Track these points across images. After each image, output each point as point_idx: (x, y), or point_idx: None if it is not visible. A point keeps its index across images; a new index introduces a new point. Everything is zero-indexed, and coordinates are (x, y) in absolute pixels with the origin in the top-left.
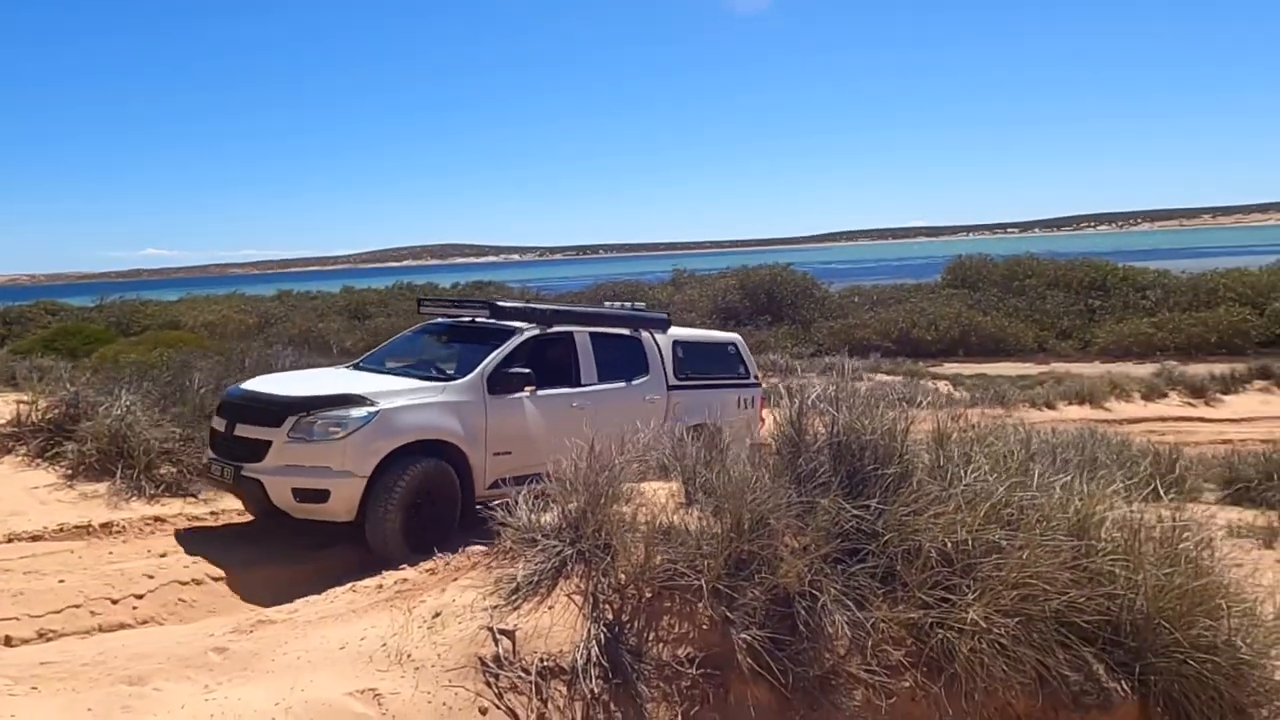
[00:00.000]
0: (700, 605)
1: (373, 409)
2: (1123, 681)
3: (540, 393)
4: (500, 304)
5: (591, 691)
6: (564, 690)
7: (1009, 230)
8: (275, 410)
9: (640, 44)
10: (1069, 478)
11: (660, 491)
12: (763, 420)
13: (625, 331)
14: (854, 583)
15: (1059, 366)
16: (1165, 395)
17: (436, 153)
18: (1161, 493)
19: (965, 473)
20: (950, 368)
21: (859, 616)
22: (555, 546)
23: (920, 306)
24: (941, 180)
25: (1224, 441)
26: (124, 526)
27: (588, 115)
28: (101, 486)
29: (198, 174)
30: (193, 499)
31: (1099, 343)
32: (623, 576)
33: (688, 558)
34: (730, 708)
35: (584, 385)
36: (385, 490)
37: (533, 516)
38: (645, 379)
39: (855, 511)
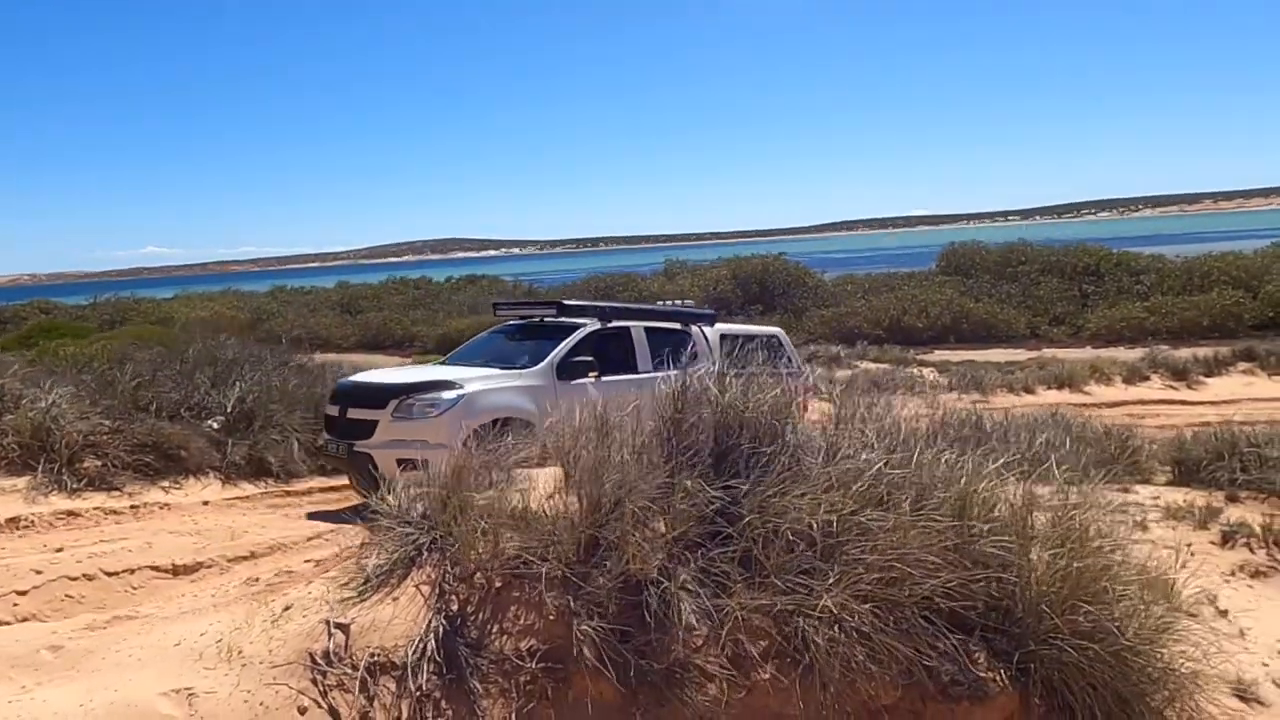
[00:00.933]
0: (549, 595)
1: (461, 391)
2: (1002, 671)
3: (603, 379)
4: (566, 303)
5: (421, 688)
6: (393, 687)
7: (1010, 218)
8: (382, 395)
9: (639, 34)
10: (955, 455)
11: (547, 476)
12: (805, 406)
13: (676, 326)
14: (713, 569)
15: (1050, 352)
16: (1147, 378)
17: (437, 147)
18: (1056, 472)
19: (847, 452)
20: (940, 355)
21: (708, 605)
22: (412, 534)
23: (912, 294)
24: (942, 169)
25: (1203, 424)
26: (32, 521)
27: (589, 107)
28: (22, 481)
29: (197, 171)
30: (116, 492)
31: (1091, 328)
32: (471, 565)
33: (541, 544)
34: (568, 704)
35: (640, 373)
36: None
37: (404, 503)
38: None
39: (715, 493)
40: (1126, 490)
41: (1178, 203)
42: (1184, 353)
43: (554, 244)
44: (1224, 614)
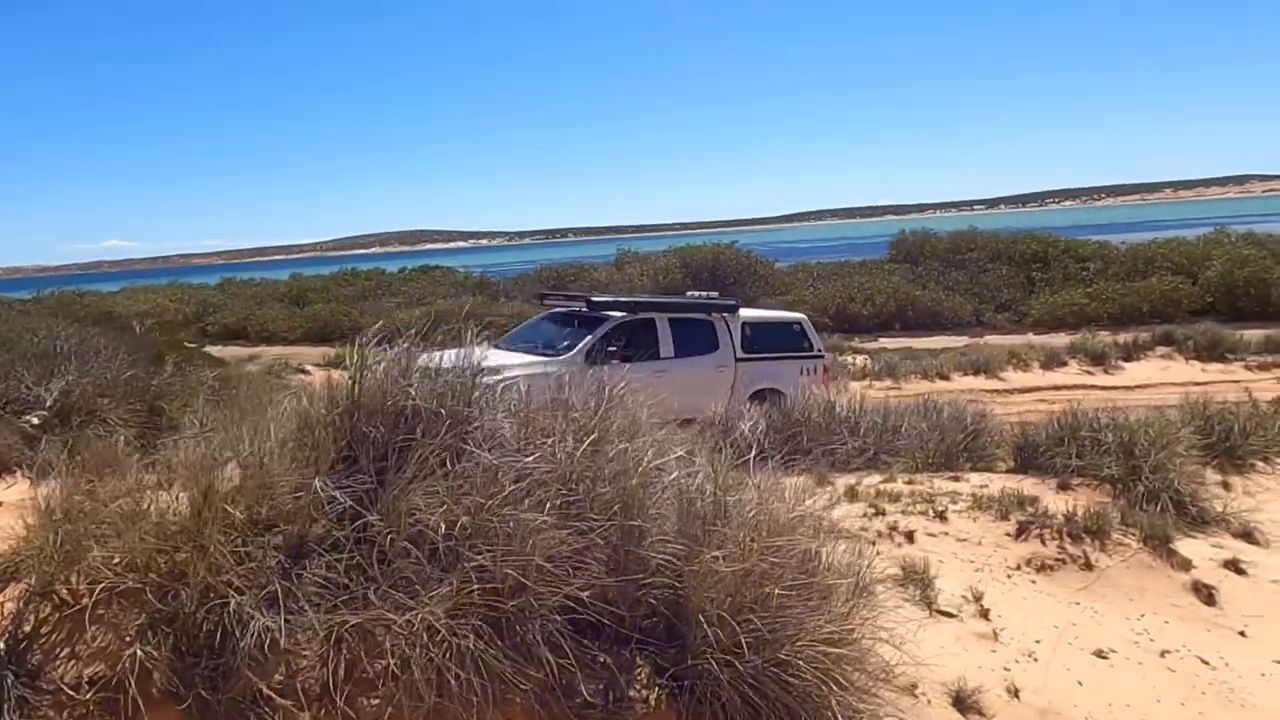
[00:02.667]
0: (131, 613)
1: (499, 377)
2: (657, 689)
3: (626, 364)
4: (594, 298)
5: None
6: None
7: (975, 207)
8: None
9: (615, 26)
10: (640, 446)
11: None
12: (827, 385)
13: (700, 316)
14: (327, 580)
15: (991, 338)
16: (1065, 364)
17: (407, 139)
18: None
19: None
20: (882, 342)
21: (281, 622)
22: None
23: (859, 281)
24: (911, 159)
25: (1112, 409)
26: None
27: (565, 98)
28: None
29: (163, 164)
30: None
31: (1034, 315)
32: (50, 578)
33: (135, 554)
34: None
35: (663, 358)
36: None
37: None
38: (716, 353)
39: (334, 493)
40: (957, 479)
41: (1139, 192)
42: (1117, 337)
43: (523, 235)
44: (985, 614)
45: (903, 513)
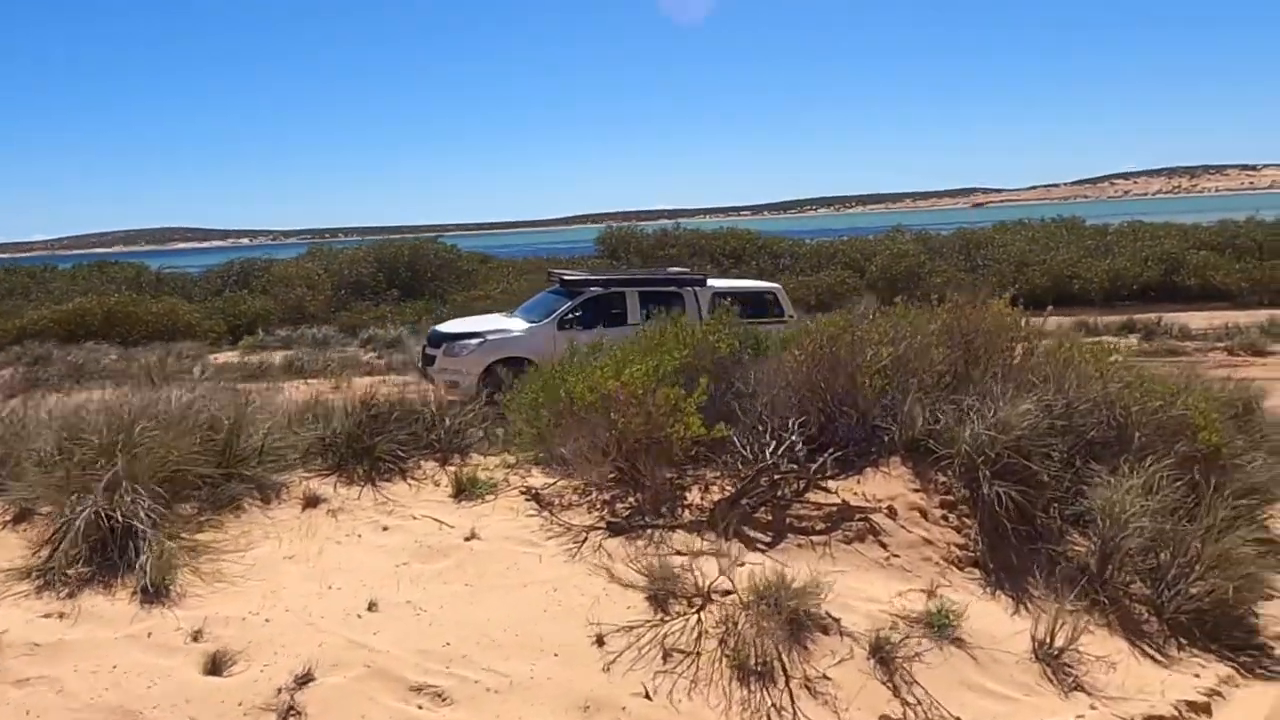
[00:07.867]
0: None
1: (481, 340)
2: None
3: (594, 329)
4: (566, 277)
5: None
6: None
7: (741, 212)
8: (440, 339)
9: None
10: None
11: None
12: None
13: (668, 288)
14: None
15: None
16: None
17: (169, 130)
18: None
19: None
20: None
21: None
22: None
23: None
24: (686, 166)
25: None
26: None
27: (347, 90)
28: None
29: None
30: None
31: None
32: None
33: None
34: None
35: (630, 324)
36: (492, 383)
37: None
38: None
39: None
40: None
41: (884, 201)
42: None
43: (289, 234)
44: None
45: None
